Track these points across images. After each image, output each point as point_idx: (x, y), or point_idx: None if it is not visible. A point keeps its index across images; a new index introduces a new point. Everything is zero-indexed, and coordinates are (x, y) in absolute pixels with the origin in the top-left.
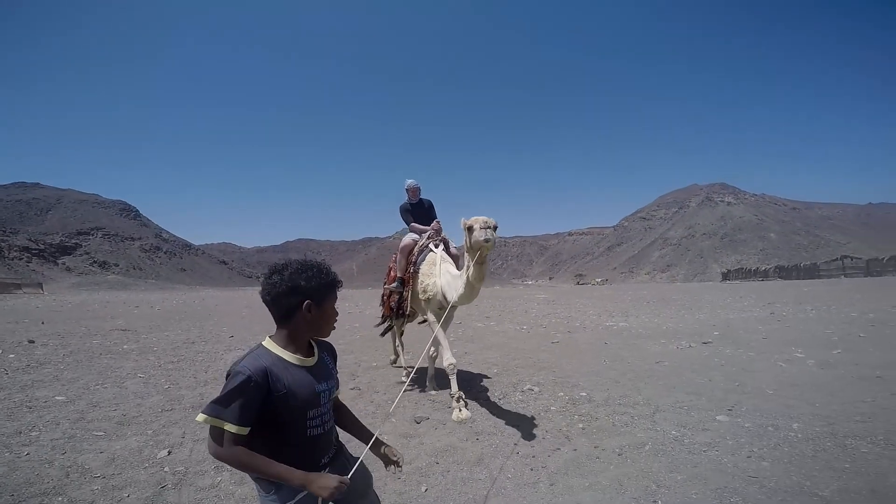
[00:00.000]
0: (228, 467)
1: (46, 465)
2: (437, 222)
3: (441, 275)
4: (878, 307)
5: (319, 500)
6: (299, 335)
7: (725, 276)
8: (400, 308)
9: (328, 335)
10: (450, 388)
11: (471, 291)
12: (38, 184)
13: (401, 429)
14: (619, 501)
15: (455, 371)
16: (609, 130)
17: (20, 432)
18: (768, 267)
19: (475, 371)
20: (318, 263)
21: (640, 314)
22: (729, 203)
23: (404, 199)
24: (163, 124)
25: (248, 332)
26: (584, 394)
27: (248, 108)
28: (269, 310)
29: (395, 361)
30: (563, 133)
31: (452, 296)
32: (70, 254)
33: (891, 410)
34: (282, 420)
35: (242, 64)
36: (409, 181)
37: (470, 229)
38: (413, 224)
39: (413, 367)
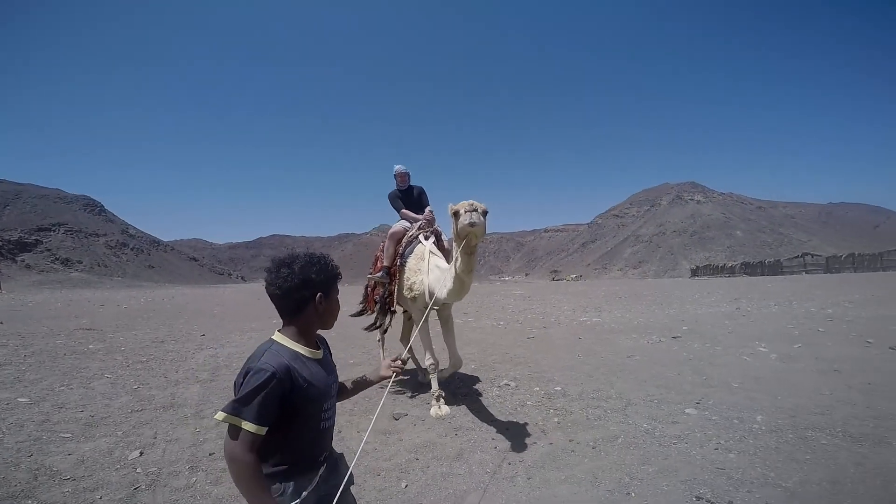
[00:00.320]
0: (204, 467)
1: (13, 468)
2: (430, 211)
3: (429, 270)
4: (836, 302)
5: None
6: (310, 328)
7: (694, 273)
8: (385, 303)
9: (332, 327)
10: (431, 387)
11: (460, 286)
12: None
13: (379, 425)
14: (594, 494)
15: (436, 371)
16: (584, 128)
17: None
18: (735, 263)
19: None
20: (322, 256)
21: (612, 309)
22: (698, 201)
23: (392, 188)
24: (130, 117)
25: (220, 330)
26: (559, 388)
27: (219, 102)
28: (278, 304)
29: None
30: (538, 131)
31: (441, 292)
32: (30, 251)
33: (847, 403)
34: (301, 414)
35: (213, 56)
36: (398, 166)
37: (456, 214)
38: (404, 211)
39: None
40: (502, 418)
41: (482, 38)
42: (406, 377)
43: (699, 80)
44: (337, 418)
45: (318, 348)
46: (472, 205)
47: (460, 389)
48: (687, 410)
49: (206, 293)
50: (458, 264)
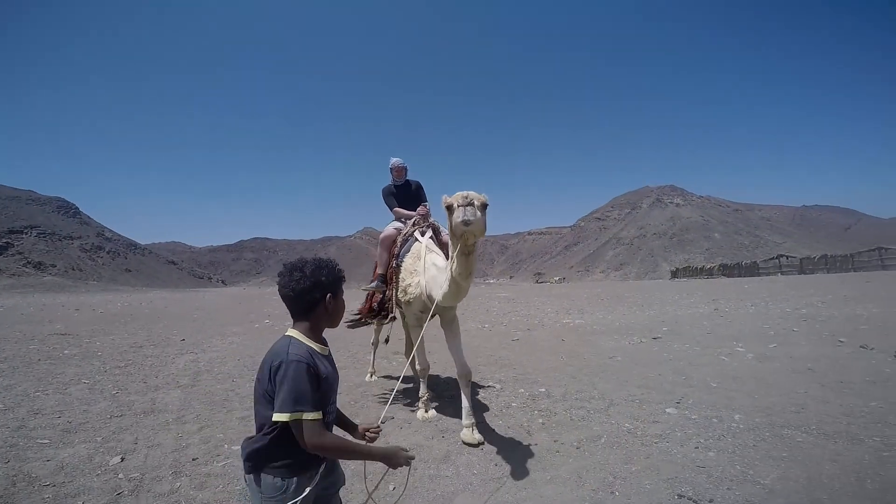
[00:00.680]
0: (187, 472)
1: None
2: (425, 206)
3: (426, 270)
4: (810, 303)
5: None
6: (319, 326)
7: (674, 275)
8: (382, 308)
9: (338, 325)
10: (420, 391)
11: (456, 290)
12: None
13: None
14: (578, 493)
15: (426, 375)
16: (566, 132)
17: None
18: (713, 265)
19: (439, 370)
20: (329, 260)
21: (595, 311)
22: (678, 204)
23: (387, 182)
24: (107, 117)
25: (200, 335)
26: (543, 390)
27: (199, 102)
28: (291, 305)
29: (372, 375)
30: (522, 134)
31: (437, 293)
32: (1, 254)
33: (821, 401)
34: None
35: (192, 56)
36: (394, 159)
37: (450, 209)
38: (397, 209)
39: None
40: (488, 420)
41: (463, 40)
42: (408, 385)
43: (679, 86)
44: None
45: (327, 345)
46: (467, 197)
47: (446, 392)
48: (668, 410)
49: (185, 297)
50: (453, 266)
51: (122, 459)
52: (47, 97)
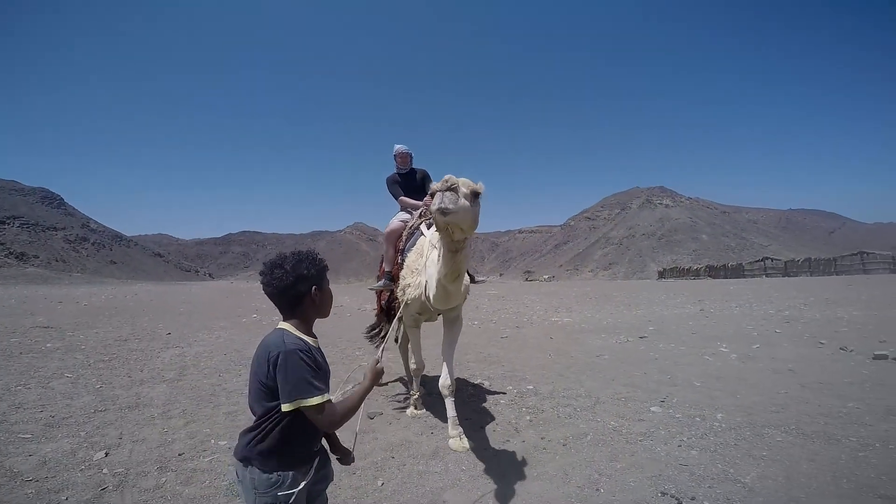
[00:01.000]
0: (173, 467)
1: None
2: (432, 196)
3: (426, 267)
4: (792, 305)
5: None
6: (309, 319)
7: (661, 275)
8: (390, 308)
9: (329, 314)
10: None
11: (443, 294)
12: None
13: (354, 425)
14: (565, 490)
15: (420, 375)
16: (558, 131)
17: None
18: (700, 266)
19: (428, 366)
20: (309, 252)
21: (583, 310)
22: (667, 206)
23: (391, 171)
24: (93, 107)
25: (187, 328)
26: (531, 387)
27: (187, 93)
28: (277, 302)
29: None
30: (513, 132)
31: (429, 293)
32: None
33: (801, 401)
34: None
35: (179, 46)
36: (398, 146)
37: (433, 196)
38: (402, 198)
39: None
40: (477, 417)
41: (455, 38)
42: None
43: (671, 87)
44: None
45: (316, 338)
46: (448, 181)
47: (435, 389)
48: (652, 408)
49: (171, 290)
50: (439, 267)
51: (107, 454)
52: (33, 88)
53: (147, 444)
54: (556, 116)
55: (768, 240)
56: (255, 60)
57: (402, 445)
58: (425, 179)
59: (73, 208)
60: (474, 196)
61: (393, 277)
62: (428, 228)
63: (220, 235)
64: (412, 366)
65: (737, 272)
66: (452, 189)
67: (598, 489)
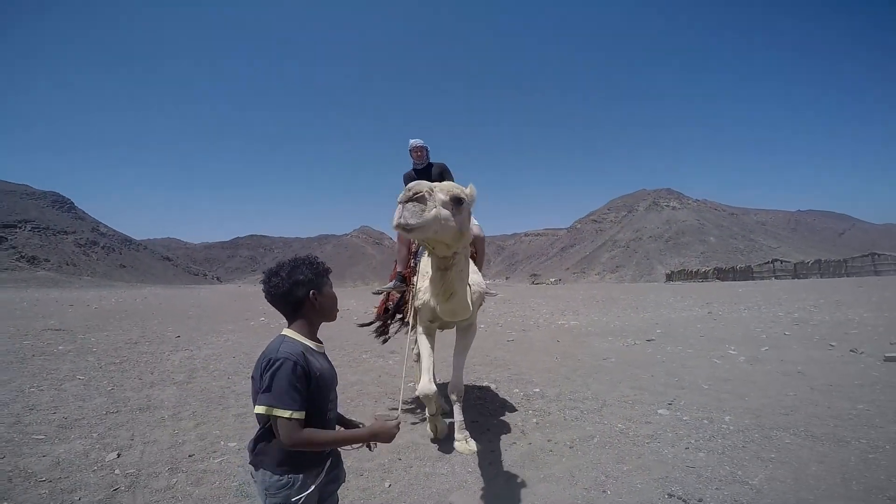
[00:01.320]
0: (184, 468)
1: None
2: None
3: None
4: (802, 307)
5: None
6: (312, 323)
7: (669, 278)
8: (398, 310)
9: (335, 318)
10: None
11: (448, 311)
12: None
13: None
14: (571, 492)
15: (431, 403)
16: (564, 134)
17: None
18: (708, 269)
19: (438, 368)
20: (307, 256)
21: (590, 313)
22: (674, 208)
23: (407, 168)
24: (102, 112)
25: (196, 332)
26: (537, 390)
27: (195, 97)
28: (278, 308)
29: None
30: (519, 134)
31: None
32: None
33: (810, 403)
34: (312, 403)
35: (188, 49)
36: (413, 140)
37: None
38: None
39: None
40: (483, 419)
41: (460, 38)
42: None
43: (677, 89)
44: None
45: (321, 342)
46: (412, 189)
47: (442, 391)
48: (659, 411)
49: (180, 294)
50: (430, 285)
51: (119, 455)
52: (44, 92)
53: (158, 446)
54: (562, 118)
55: (777, 241)
56: (265, 67)
57: (409, 448)
58: (443, 174)
59: (84, 212)
60: (456, 203)
61: (405, 279)
62: None
63: (227, 239)
64: (421, 390)
65: (745, 274)
66: (417, 199)
67: (604, 491)
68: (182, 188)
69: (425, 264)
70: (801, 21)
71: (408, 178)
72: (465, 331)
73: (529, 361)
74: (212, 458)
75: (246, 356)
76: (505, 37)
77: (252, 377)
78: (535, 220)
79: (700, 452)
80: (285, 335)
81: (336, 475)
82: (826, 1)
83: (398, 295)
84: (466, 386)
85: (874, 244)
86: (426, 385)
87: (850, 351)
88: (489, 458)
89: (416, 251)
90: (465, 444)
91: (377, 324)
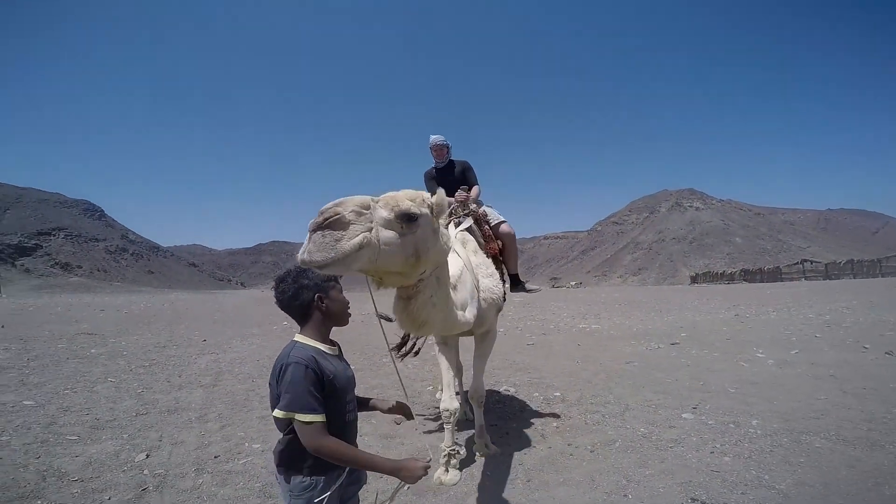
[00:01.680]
0: (210, 469)
1: (21, 469)
2: (464, 190)
3: None
4: (834, 309)
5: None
6: (323, 327)
7: (694, 280)
8: None
9: (347, 322)
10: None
11: (424, 332)
12: None
13: (381, 429)
14: (591, 496)
15: (452, 421)
16: (583, 135)
17: None
18: (734, 270)
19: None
20: None
21: (612, 316)
22: (697, 208)
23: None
24: (131, 122)
25: (221, 336)
26: (557, 394)
27: (218, 105)
28: (288, 313)
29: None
30: (537, 136)
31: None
32: (29, 255)
33: (842, 407)
34: (328, 405)
35: (213, 60)
36: (432, 137)
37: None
38: None
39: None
40: (502, 423)
41: (477, 38)
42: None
43: (699, 87)
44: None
45: (335, 345)
46: (324, 213)
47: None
48: (684, 415)
49: (205, 299)
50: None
51: (148, 456)
52: (77, 104)
53: (185, 447)
54: (583, 119)
55: (807, 241)
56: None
57: (426, 451)
58: (466, 173)
59: (113, 220)
60: (406, 220)
61: None
62: (455, 228)
63: (250, 245)
64: (443, 405)
65: (774, 276)
66: (330, 225)
67: (625, 495)
68: (207, 196)
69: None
70: (827, 12)
71: (428, 178)
72: (483, 337)
73: (550, 365)
74: (236, 460)
75: (269, 360)
76: (524, 36)
77: (269, 383)
78: (555, 222)
79: (725, 457)
80: (297, 340)
81: (357, 476)
82: None
83: None
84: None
85: None
86: (447, 402)
87: (886, 353)
88: (508, 462)
89: None
90: (484, 447)
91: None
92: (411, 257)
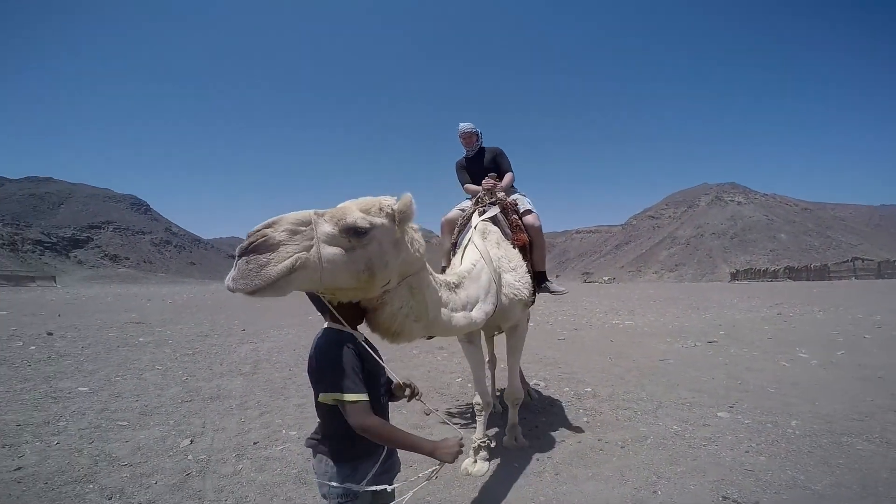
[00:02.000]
0: (249, 455)
1: (76, 454)
2: (492, 176)
3: (460, 263)
4: (886, 309)
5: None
6: (345, 317)
7: (734, 277)
8: None
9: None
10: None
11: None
12: (51, 178)
13: (411, 420)
14: (620, 491)
15: (487, 412)
16: (618, 127)
17: (48, 422)
18: (778, 268)
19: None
20: None
21: (646, 313)
22: (739, 203)
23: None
24: (175, 118)
25: (259, 325)
26: (588, 389)
27: (258, 100)
28: (314, 304)
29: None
30: (571, 128)
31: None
32: (82, 247)
33: (889, 410)
34: (367, 387)
35: (250, 55)
36: (462, 125)
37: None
38: (466, 185)
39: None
40: (531, 417)
41: (517, 27)
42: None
43: (743, 76)
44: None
45: (362, 333)
46: (251, 236)
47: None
48: (719, 414)
49: None
50: None
51: (192, 442)
52: (127, 100)
53: (226, 433)
54: (618, 109)
55: (858, 238)
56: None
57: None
58: (497, 159)
59: (158, 213)
60: (354, 234)
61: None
62: (479, 216)
63: None
64: (475, 399)
65: (821, 274)
66: (253, 249)
67: (655, 491)
68: (246, 189)
69: (459, 256)
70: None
71: (459, 168)
72: (512, 332)
73: (581, 361)
74: (274, 446)
75: (304, 349)
76: (555, 27)
77: (308, 371)
78: (587, 216)
79: (761, 456)
80: (329, 326)
81: (391, 464)
82: None
83: None
84: None
85: None
86: (479, 395)
87: None
88: (536, 455)
89: (456, 242)
90: (513, 441)
91: None
92: (363, 273)
